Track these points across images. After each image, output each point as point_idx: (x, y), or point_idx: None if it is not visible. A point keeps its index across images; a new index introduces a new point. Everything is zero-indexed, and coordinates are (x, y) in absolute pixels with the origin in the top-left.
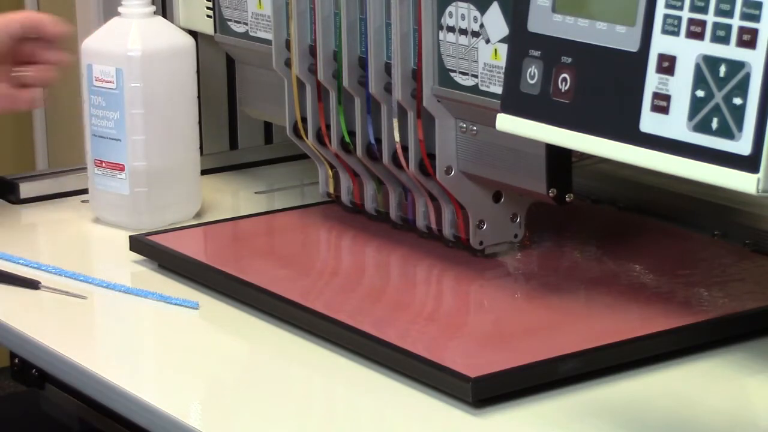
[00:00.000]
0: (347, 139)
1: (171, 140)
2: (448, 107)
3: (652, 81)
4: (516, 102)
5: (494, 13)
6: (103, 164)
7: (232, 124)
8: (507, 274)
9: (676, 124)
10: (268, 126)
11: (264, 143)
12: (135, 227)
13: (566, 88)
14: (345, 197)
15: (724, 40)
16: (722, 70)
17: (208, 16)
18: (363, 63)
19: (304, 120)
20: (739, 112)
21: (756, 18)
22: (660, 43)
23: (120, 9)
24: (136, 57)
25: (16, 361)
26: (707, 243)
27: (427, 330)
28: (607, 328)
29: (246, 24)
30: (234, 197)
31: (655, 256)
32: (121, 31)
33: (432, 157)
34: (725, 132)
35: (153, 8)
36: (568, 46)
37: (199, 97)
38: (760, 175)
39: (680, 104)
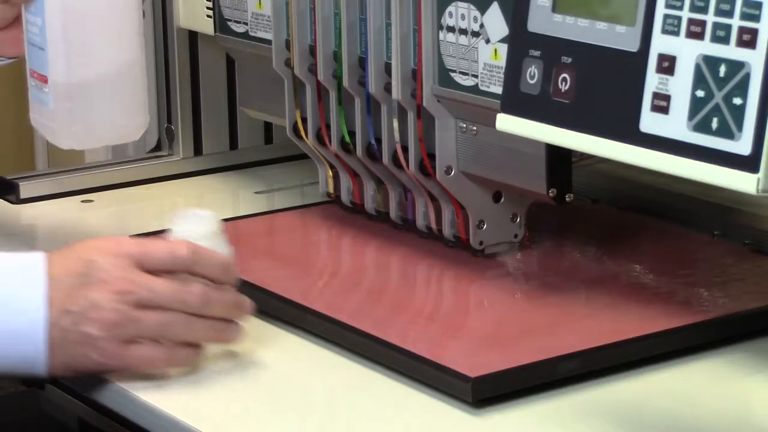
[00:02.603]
0: (347, 139)
1: (99, 49)
2: (448, 107)
3: (652, 81)
4: (516, 102)
5: (494, 13)
6: (35, 75)
7: (232, 124)
8: (507, 274)
9: (676, 124)
10: (268, 126)
11: (264, 143)
12: (69, 146)
13: (566, 88)
14: (345, 197)
15: (724, 40)
16: (722, 70)
17: (208, 16)
18: (363, 63)
19: (304, 120)
20: (739, 112)
21: (756, 18)
22: (660, 43)
23: None
24: None
25: None
26: (707, 243)
27: (427, 330)
28: (607, 328)
29: (246, 24)
30: (234, 197)
31: (655, 256)
32: None
33: (432, 157)
34: (725, 132)
35: None
36: (568, 46)
37: (199, 97)
38: (760, 175)
39: (680, 104)
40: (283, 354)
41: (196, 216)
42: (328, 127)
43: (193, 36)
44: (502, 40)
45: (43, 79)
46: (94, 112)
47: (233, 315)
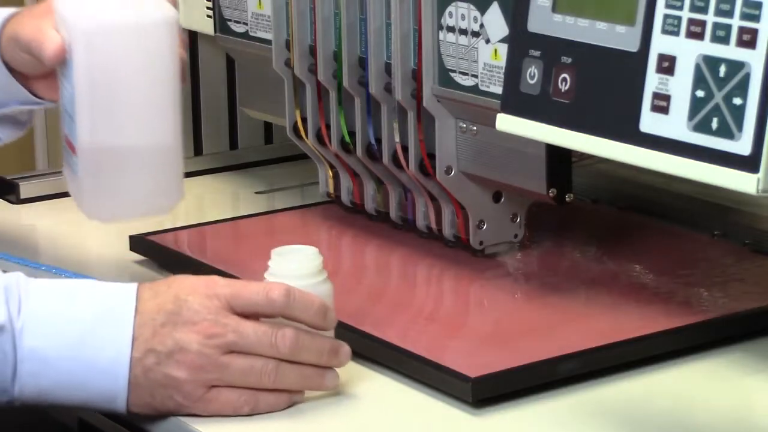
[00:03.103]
0: (347, 139)
1: (128, 121)
2: (448, 107)
3: (652, 81)
4: (516, 102)
5: (494, 13)
6: (66, 140)
7: (232, 124)
8: (507, 274)
9: (676, 124)
10: (268, 126)
11: (264, 143)
12: (95, 217)
13: (566, 88)
14: (345, 197)
15: (724, 40)
16: (722, 70)
17: (208, 16)
18: (363, 63)
19: (304, 120)
20: (739, 112)
21: (756, 18)
22: (660, 43)
23: None
24: (86, 29)
25: None
26: (707, 243)
27: (427, 330)
28: (607, 328)
29: (246, 24)
30: (234, 197)
31: (655, 256)
32: None
33: (432, 157)
34: (725, 132)
35: None
36: (568, 46)
37: (199, 97)
38: (760, 175)
39: (680, 104)
40: None
41: (295, 252)
42: (328, 127)
43: (193, 36)
44: (502, 40)
45: (72, 148)
46: (122, 186)
47: (327, 362)
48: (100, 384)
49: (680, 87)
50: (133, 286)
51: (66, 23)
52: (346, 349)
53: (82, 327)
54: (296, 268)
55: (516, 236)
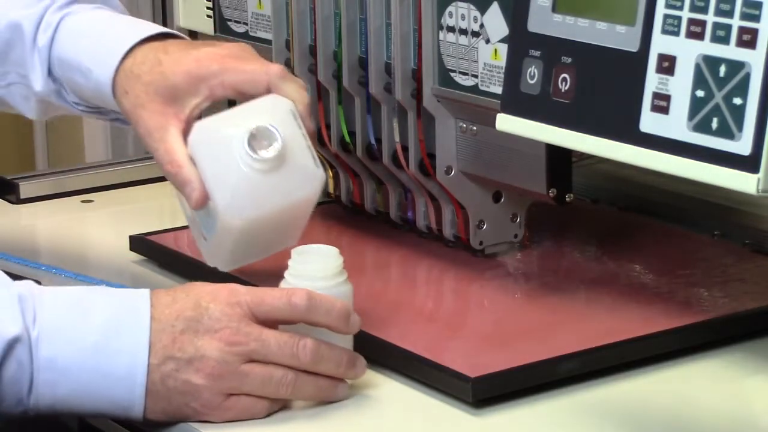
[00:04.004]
0: (347, 139)
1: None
2: (448, 107)
3: (652, 81)
4: (516, 102)
5: (494, 13)
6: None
7: None
8: (507, 274)
9: (676, 124)
10: None
11: None
12: (221, 268)
13: (566, 88)
14: (345, 197)
15: (724, 40)
16: (722, 70)
17: (208, 16)
18: (363, 63)
19: None
20: (739, 112)
21: (756, 18)
22: (660, 43)
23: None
24: (237, 225)
25: None
26: (707, 243)
27: (427, 330)
28: (607, 328)
29: (246, 24)
30: None
31: (655, 256)
32: (224, 166)
33: (432, 157)
34: (725, 132)
35: (276, 163)
36: (568, 46)
37: None
38: (760, 175)
39: (680, 104)
40: None
41: (315, 253)
42: (328, 127)
43: (193, 36)
44: (502, 40)
45: (201, 226)
46: (253, 251)
47: (344, 374)
48: (117, 392)
49: (680, 87)
50: (146, 291)
51: (214, 200)
52: (362, 361)
53: (98, 335)
54: (319, 269)
55: (516, 236)
